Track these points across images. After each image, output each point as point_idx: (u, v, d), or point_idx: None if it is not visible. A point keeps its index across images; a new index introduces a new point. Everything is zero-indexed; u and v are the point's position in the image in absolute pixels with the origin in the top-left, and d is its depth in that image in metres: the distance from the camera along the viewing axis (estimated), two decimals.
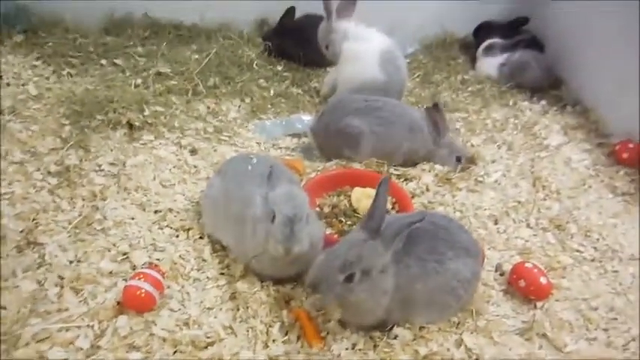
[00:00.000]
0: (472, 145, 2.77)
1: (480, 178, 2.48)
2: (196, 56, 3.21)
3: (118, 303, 1.69)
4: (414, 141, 2.52)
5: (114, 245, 1.90)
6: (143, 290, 1.65)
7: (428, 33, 3.89)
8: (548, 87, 3.41)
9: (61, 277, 1.75)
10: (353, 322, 1.68)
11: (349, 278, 1.49)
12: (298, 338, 1.67)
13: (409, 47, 3.81)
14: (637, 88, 2.73)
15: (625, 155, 2.71)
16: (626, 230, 2.26)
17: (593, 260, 2.11)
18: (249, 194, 1.79)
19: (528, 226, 2.26)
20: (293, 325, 1.70)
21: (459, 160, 2.56)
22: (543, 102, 3.28)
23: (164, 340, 1.60)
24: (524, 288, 1.86)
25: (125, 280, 1.75)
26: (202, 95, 2.94)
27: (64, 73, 2.97)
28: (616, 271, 2.06)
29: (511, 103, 3.26)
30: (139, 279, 1.68)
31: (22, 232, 1.90)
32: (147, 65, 3.10)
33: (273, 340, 1.64)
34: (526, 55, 3.44)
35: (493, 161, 2.64)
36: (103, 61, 3.13)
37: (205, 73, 3.08)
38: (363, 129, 2.47)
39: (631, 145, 2.71)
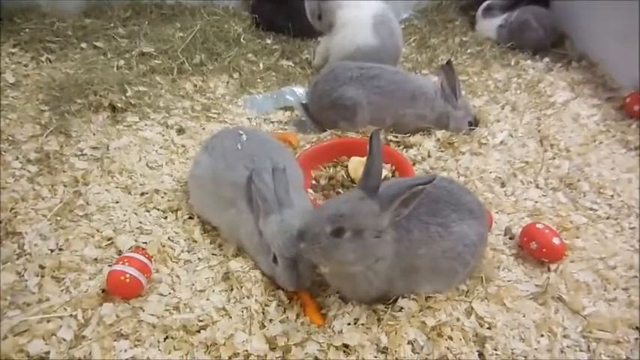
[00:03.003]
0: (474, 107, 2.64)
1: (484, 140, 2.36)
2: (181, 34, 3.10)
3: (103, 290, 1.60)
4: (418, 108, 2.38)
5: (97, 231, 1.81)
6: (128, 275, 1.56)
7: None
8: (552, 45, 3.25)
9: (42, 267, 1.66)
10: (351, 295, 1.58)
11: (337, 232, 1.36)
12: (297, 316, 1.58)
13: (403, 13, 3.66)
14: None
15: (636, 108, 2.57)
16: None
17: (608, 218, 2.00)
18: (241, 180, 1.71)
19: (537, 186, 2.15)
20: (290, 304, 1.61)
21: (471, 124, 2.44)
22: (547, 59, 3.15)
23: (154, 326, 1.51)
24: (537, 250, 1.76)
25: (110, 266, 1.65)
26: (188, 73, 2.84)
27: (43, 59, 2.88)
28: (633, 228, 1.94)
29: (513, 62, 3.13)
30: (124, 263, 1.59)
31: (0, 222, 1.80)
32: (129, 46, 3.00)
33: (270, 320, 1.55)
34: (524, 14, 3.25)
35: (497, 121, 2.52)
36: (83, 45, 3.02)
37: (190, 50, 2.98)
38: (359, 99, 2.34)
39: None
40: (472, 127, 2.44)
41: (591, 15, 3.09)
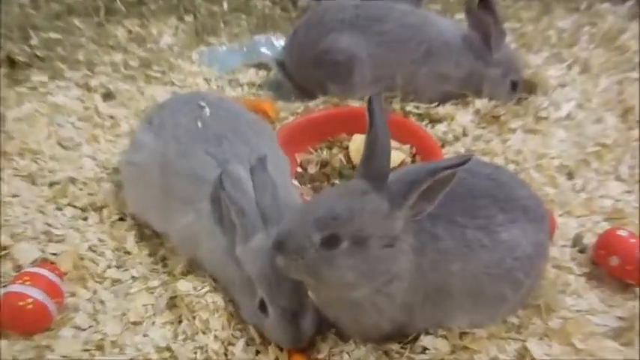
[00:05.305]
0: (528, 68, 2.66)
1: (543, 113, 2.38)
2: None
3: None
4: (438, 64, 2.40)
5: None
6: (30, 300, 1.54)
7: None
8: None
9: None
10: (353, 331, 1.56)
11: (330, 242, 1.34)
12: None
13: None
14: None
15: None
16: None
17: None
18: (203, 172, 1.70)
19: (619, 178, 2.17)
20: (264, 342, 1.59)
21: (514, 86, 2.44)
22: (629, 2, 3.18)
23: None
24: (618, 268, 1.75)
25: (5, 286, 1.62)
26: (121, 15, 2.88)
27: None
28: None
29: (583, 6, 3.19)
30: (24, 283, 1.57)
31: None
32: None
33: None
34: None
35: (562, 87, 2.54)
36: None
37: None
38: (356, 51, 2.35)
39: None
40: (519, 94, 2.44)
41: None
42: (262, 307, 1.53)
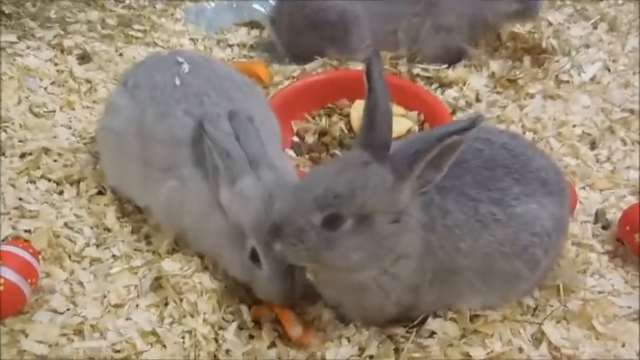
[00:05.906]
0: (550, 24, 2.65)
1: (565, 76, 2.39)
2: None
3: None
4: (442, 15, 2.40)
5: None
6: (1, 281, 1.55)
7: None
8: None
9: None
10: (356, 314, 1.59)
11: (332, 222, 1.34)
12: (272, 345, 1.59)
13: None
14: None
15: None
16: None
17: None
18: (183, 134, 1.70)
19: None
20: (258, 325, 1.61)
21: None
22: None
23: (43, 358, 1.51)
24: None
25: None
26: None
27: None
28: None
29: None
30: None
31: None
32: None
33: (227, 352, 1.55)
34: None
35: (586, 47, 2.55)
36: None
37: None
38: (352, 10, 2.36)
39: None
40: None
41: None
42: (254, 256, 1.56)
